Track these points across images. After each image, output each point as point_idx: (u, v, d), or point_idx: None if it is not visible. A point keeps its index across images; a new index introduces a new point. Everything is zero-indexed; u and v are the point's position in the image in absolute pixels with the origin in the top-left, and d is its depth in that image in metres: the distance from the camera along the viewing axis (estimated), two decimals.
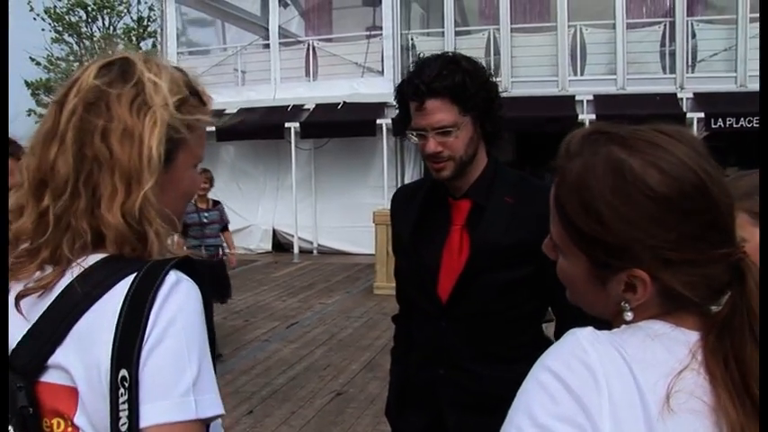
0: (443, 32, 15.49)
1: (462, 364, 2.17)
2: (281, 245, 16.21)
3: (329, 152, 15.68)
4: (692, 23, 14.70)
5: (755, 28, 14.13)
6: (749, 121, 13.06)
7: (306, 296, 11.14)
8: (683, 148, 1.02)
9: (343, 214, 15.17)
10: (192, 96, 1.23)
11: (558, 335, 2.23)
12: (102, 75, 1.18)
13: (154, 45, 25.94)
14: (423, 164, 16.52)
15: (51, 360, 1.08)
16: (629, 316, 1.05)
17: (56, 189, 1.14)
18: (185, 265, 1.14)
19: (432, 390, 2.22)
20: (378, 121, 14.95)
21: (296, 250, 15.67)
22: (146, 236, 1.14)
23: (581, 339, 0.99)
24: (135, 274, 1.09)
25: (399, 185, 15.51)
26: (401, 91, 2.14)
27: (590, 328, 1.01)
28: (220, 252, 7.98)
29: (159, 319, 1.06)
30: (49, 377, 1.09)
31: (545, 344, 2.23)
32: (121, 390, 1.03)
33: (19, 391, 1.08)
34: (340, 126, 14.97)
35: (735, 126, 13.29)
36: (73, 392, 1.07)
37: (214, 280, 7.61)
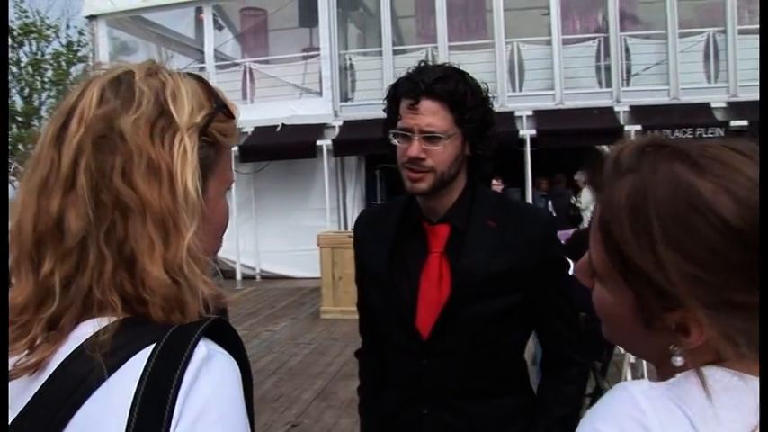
0: (381, 51, 15.43)
1: (448, 402, 1.99)
2: (222, 271, 15.72)
3: (269, 175, 15.41)
4: (624, 39, 14.95)
5: (684, 43, 14.48)
6: (683, 132, 13.27)
7: (251, 324, 10.82)
8: (757, 171, 0.86)
9: (286, 238, 14.89)
10: (219, 109, 1.00)
11: (547, 366, 2.11)
12: (107, 99, 0.93)
13: (85, 71, 25.29)
14: (364, 184, 16.56)
15: None
16: (678, 361, 0.88)
17: (64, 251, 0.89)
18: (218, 330, 0.90)
19: (416, 431, 2.03)
20: (318, 143, 14.78)
21: (238, 276, 15.32)
22: (185, 297, 0.90)
23: (636, 396, 0.83)
24: (153, 346, 0.84)
25: (341, 207, 15.50)
26: (396, 87, 1.96)
27: (646, 382, 0.85)
28: None
29: (187, 409, 0.82)
30: None
31: (526, 372, 2.12)
32: None
33: None
34: (279, 149, 14.73)
35: (671, 137, 13.49)
36: None
37: None
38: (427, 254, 2.00)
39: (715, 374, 0.86)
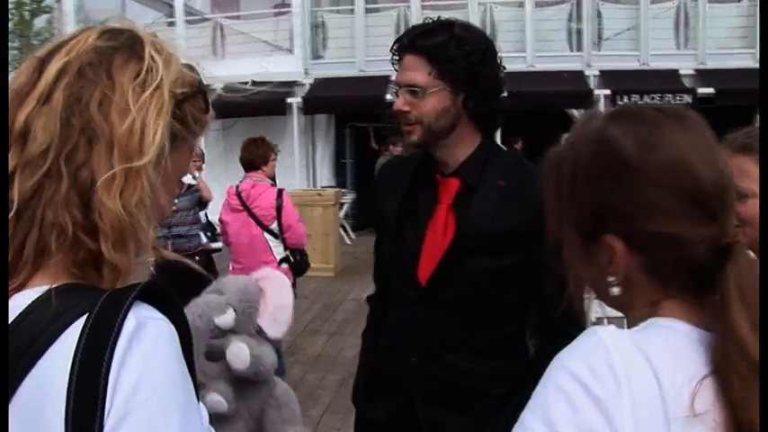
0: (353, 9, 15.31)
1: (435, 353, 2.05)
2: None
3: (238, 132, 15.24)
4: (597, 3, 14.97)
5: (655, 9, 14.56)
6: (652, 98, 13.40)
7: None
8: (672, 124, 1.00)
9: None
10: (199, 93, 1.03)
11: (540, 333, 2.13)
12: (106, 38, 0.96)
13: (49, 22, 24.61)
14: (334, 142, 16.49)
15: None
16: (614, 291, 1.02)
17: (27, 161, 0.88)
18: (151, 293, 0.87)
19: (403, 378, 2.09)
20: (288, 100, 14.70)
21: None
22: (138, 234, 0.90)
23: (604, 338, 0.93)
24: (86, 318, 0.83)
25: (310, 165, 15.44)
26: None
27: (612, 327, 0.95)
28: (197, 243, 6.90)
29: (120, 385, 0.80)
30: None
31: (524, 348, 2.13)
32: None
33: None
34: (249, 105, 14.60)
35: (639, 102, 13.62)
36: None
37: (190, 283, 6.43)
38: (436, 205, 2.06)
39: (674, 324, 0.97)
